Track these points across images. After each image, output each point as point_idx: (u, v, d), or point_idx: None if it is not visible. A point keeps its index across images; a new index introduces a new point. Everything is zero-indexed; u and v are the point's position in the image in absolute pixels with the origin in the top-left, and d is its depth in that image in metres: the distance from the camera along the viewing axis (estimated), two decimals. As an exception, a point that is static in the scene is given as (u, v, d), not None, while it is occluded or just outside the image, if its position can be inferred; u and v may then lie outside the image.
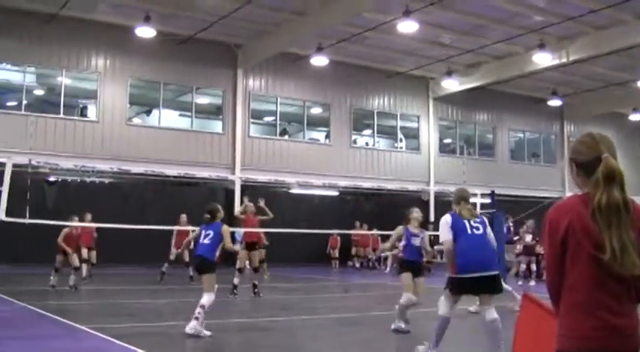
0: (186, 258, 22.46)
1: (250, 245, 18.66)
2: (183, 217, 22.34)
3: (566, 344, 3.31)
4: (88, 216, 21.41)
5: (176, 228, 22.23)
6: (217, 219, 12.07)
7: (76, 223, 19.68)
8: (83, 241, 21.09)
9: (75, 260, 19.16)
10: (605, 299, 3.26)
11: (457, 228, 9.02)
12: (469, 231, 9.03)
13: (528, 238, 25.14)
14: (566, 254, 3.32)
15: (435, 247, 12.42)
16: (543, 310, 4.30)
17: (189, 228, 22.58)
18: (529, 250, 25.09)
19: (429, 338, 9.33)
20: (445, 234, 9.05)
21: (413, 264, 11.92)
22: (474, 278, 8.81)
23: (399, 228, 12.00)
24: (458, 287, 9.01)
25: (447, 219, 9.12)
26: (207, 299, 11.28)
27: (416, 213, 12.17)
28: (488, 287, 8.90)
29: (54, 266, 18.94)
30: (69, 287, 18.31)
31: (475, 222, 9.17)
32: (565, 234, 3.31)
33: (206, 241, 11.79)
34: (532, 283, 23.52)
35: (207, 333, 10.99)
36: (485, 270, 8.89)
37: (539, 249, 24.64)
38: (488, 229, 9.31)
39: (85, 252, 21.32)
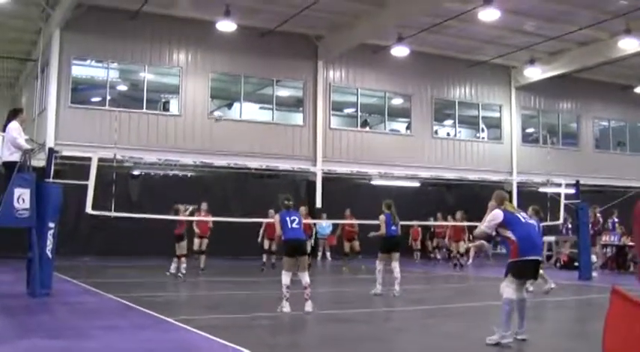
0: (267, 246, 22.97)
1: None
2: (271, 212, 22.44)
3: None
4: (204, 205, 21.97)
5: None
6: (292, 206, 13.16)
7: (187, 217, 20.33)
8: (201, 230, 21.91)
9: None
10: None
11: (511, 220, 9.72)
12: (523, 220, 9.82)
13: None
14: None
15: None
16: (635, 306, 4.11)
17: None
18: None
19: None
20: (489, 226, 9.76)
21: None
22: (534, 261, 9.67)
23: None
24: (521, 270, 9.61)
25: (498, 214, 9.77)
26: (308, 277, 12.62)
27: None
28: (536, 271, 9.90)
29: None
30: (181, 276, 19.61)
31: (522, 214, 10.03)
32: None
33: (296, 225, 12.68)
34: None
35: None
36: (540, 255, 10.00)
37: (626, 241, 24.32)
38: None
39: (197, 241, 22.01)
